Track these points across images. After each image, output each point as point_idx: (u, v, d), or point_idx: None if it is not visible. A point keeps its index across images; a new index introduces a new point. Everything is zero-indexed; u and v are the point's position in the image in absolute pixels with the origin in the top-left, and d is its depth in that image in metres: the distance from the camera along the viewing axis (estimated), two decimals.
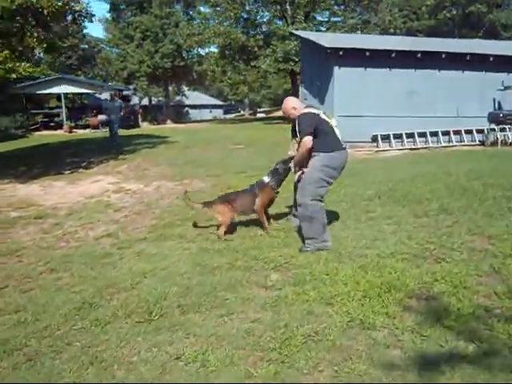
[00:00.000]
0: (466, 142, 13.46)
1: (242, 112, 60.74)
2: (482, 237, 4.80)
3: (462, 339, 2.91)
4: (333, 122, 4.79)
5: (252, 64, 25.99)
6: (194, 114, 54.32)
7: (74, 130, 28.69)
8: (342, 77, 12.87)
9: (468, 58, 13.03)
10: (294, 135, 5.11)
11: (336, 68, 12.87)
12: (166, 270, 4.45)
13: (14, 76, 10.51)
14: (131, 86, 37.96)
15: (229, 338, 3.15)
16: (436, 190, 6.89)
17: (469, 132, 13.69)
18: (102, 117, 28.24)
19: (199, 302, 3.69)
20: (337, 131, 4.76)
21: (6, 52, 10.53)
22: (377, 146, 13.17)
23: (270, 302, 3.61)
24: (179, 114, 49.04)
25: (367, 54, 12.48)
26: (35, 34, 10.71)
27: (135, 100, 41.40)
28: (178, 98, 48.64)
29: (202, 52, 36.36)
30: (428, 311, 3.27)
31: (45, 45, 11.32)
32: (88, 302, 3.92)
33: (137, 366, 2.96)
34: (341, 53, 12.49)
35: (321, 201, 4.68)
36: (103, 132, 23.60)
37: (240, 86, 40.88)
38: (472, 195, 6.43)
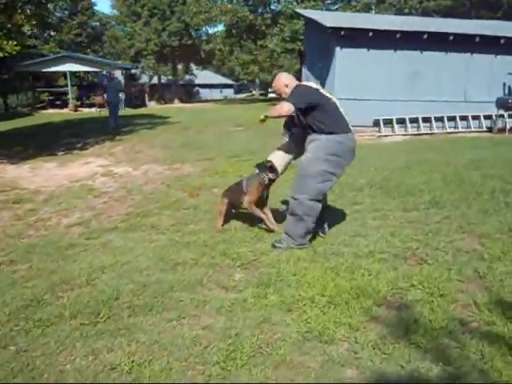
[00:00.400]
0: (472, 129, 12.87)
1: (253, 92, 59.96)
2: (472, 235, 4.43)
3: (427, 359, 2.58)
4: (335, 101, 4.11)
5: (259, 43, 25.36)
6: (204, 93, 53.72)
7: (80, 109, 28.48)
8: (344, 58, 12.28)
9: (477, 39, 12.31)
10: (287, 127, 4.54)
11: (337, 49, 12.28)
12: (127, 265, 4.15)
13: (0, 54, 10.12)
14: (140, 65, 37.50)
15: (173, 347, 2.86)
16: (431, 180, 6.49)
17: (476, 118, 13.09)
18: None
19: (152, 303, 3.39)
20: (342, 111, 4.07)
21: None
22: (379, 131, 12.65)
23: (227, 305, 3.29)
24: (189, 93, 48.49)
25: (370, 34, 11.85)
26: (27, 12, 10.34)
27: (145, 79, 41.04)
28: (187, 77, 48.04)
29: (211, 31, 35.76)
30: (396, 323, 2.93)
31: (34, 22, 10.89)
32: (38, 299, 3.64)
33: (67, 376, 2.68)
34: (342, 33, 11.88)
35: (320, 201, 4.09)
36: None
37: (250, 66, 40.00)
38: (469, 187, 6.03)
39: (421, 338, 2.75)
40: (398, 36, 11.98)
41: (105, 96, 16.13)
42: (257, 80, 54.52)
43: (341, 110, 4.06)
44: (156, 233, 4.97)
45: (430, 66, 12.40)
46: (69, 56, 29.62)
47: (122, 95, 28.45)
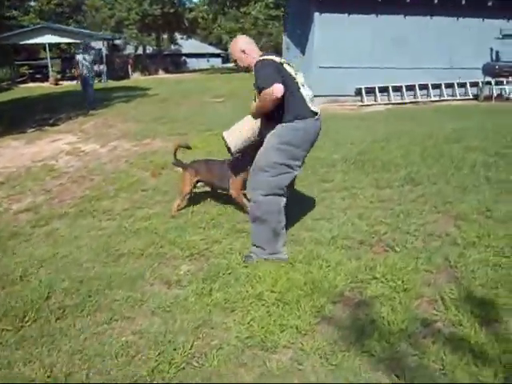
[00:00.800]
0: (458, 97, 12.36)
1: None
2: (448, 216, 4.08)
3: (379, 370, 2.24)
4: (299, 78, 3.41)
5: (242, 10, 24.42)
6: (191, 63, 52.30)
7: (60, 83, 27.56)
8: (323, 24, 11.58)
9: (463, 2, 11.62)
10: None
11: (316, 14, 11.56)
12: (68, 258, 3.76)
13: None
14: (123, 35, 36.31)
15: (96, 357, 2.50)
16: (409, 154, 6.11)
17: (462, 85, 12.56)
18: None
19: (84, 303, 3.03)
20: (305, 92, 3.38)
21: None
22: (361, 101, 12.11)
23: (166, 305, 2.94)
24: (176, 63, 47.18)
25: None
26: None
27: (130, 50, 39.82)
28: (173, 47, 46.65)
29: None
30: (350, 325, 2.59)
31: None
32: None
33: None
34: None
35: (281, 195, 3.37)
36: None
37: (237, 34, 38.80)
38: (448, 161, 5.66)
39: (376, 343, 2.41)
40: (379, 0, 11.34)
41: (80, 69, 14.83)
42: None
43: (304, 90, 3.39)
44: (106, 219, 4.57)
45: (414, 31, 11.73)
46: (47, 27, 28.36)
47: (102, 67, 27.71)
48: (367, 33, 11.61)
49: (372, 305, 2.76)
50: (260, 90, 3.17)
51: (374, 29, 11.64)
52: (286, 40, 15.74)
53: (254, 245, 3.43)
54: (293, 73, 3.38)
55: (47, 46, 27.64)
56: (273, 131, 3.34)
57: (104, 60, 27.87)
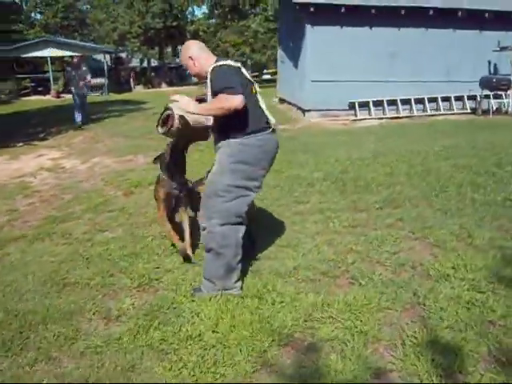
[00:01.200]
0: (455, 110, 12.00)
1: None
2: (425, 243, 3.77)
3: None
4: (256, 87, 3.13)
5: (241, 23, 24.36)
6: None
7: (62, 96, 27.55)
8: (316, 37, 11.32)
9: (460, 14, 11.36)
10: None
11: (308, 27, 11.31)
12: (11, 286, 3.48)
13: None
14: (125, 49, 36.48)
15: None
16: (394, 172, 5.82)
17: (459, 99, 12.22)
18: (93, 80, 27.21)
19: (12, 341, 2.74)
20: (261, 101, 3.09)
21: None
22: (354, 115, 11.83)
23: (98, 344, 2.64)
24: (181, 76, 47.27)
25: (343, 10, 10.94)
26: None
27: (135, 63, 39.92)
28: (178, 60, 46.74)
29: (198, 12, 34.63)
30: (290, 374, 2.29)
31: None
32: None
33: None
34: (312, 9, 10.90)
35: (240, 223, 3.02)
36: (94, 96, 22.49)
37: (242, 47, 38.72)
38: (434, 181, 5.36)
39: None
40: (373, 11, 11.01)
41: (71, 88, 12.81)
42: (248, 61, 53.25)
43: (260, 99, 3.09)
44: (63, 243, 4.29)
45: (409, 44, 11.45)
46: (50, 40, 28.49)
47: (104, 80, 27.62)
48: (361, 46, 11.34)
49: (321, 349, 2.46)
50: (217, 92, 2.83)
51: (368, 42, 11.36)
52: (280, 53, 15.53)
53: (206, 278, 3.09)
54: (250, 78, 3.10)
55: (49, 59, 27.64)
56: (224, 148, 3.00)
57: (106, 73, 27.86)
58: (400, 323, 2.67)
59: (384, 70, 11.43)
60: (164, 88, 32.96)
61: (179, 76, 46.22)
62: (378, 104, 11.83)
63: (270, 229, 4.16)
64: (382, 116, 11.70)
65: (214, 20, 34.25)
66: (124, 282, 3.39)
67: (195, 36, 33.97)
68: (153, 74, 37.89)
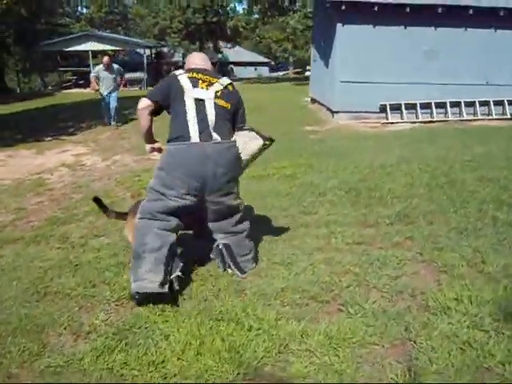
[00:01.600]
0: (494, 116, 11.28)
1: (288, 70, 58.11)
2: (431, 267, 3.46)
3: None
4: (202, 93, 3.09)
5: (280, 20, 24.05)
6: (238, 71, 52.39)
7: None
8: (347, 36, 10.88)
9: (502, 13, 10.56)
10: None
11: (339, 25, 10.87)
12: None
13: None
14: (167, 43, 36.86)
15: None
16: (415, 183, 5.46)
17: (499, 103, 11.44)
18: (133, 74, 27.61)
19: None
20: (193, 112, 3.05)
21: None
22: (385, 118, 11.33)
23: (59, 363, 2.52)
24: (223, 72, 47.38)
25: (375, 8, 10.45)
26: None
27: (178, 57, 40.27)
28: (219, 55, 46.89)
29: (239, 8, 34.63)
30: None
31: None
32: None
33: None
34: (343, 7, 10.48)
35: (152, 219, 3.08)
36: (131, 91, 22.72)
37: (284, 43, 38.44)
38: (455, 194, 4.98)
39: None
40: (407, 10, 10.44)
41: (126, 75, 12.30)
42: (290, 58, 52.73)
43: (190, 109, 3.05)
44: (57, 247, 4.21)
45: (446, 45, 10.78)
46: (90, 35, 29.18)
47: (143, 74, 27.91)
48: (394, 46, 10.81)
49: None
50: None
51: (402, 41, 10.82)
52: (313, 51, 15.15)
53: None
54: (189, 86, 3.09)
55: (90, 53, 28.24)
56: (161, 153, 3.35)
57: (145, 68, 28.18)
58: (383, 362, 2.40)
59: (418, 72, 10.88)
60: None
61: (221, 71, 46.38)
62: (411, 107, 11.29)
63: (267, 242, 3.94)
64: (415, 120, 11.16)
65: (256, 16, 34.16)
66: (105, 294, 3.25)
67: (235, 32, 33.99)
68: None
